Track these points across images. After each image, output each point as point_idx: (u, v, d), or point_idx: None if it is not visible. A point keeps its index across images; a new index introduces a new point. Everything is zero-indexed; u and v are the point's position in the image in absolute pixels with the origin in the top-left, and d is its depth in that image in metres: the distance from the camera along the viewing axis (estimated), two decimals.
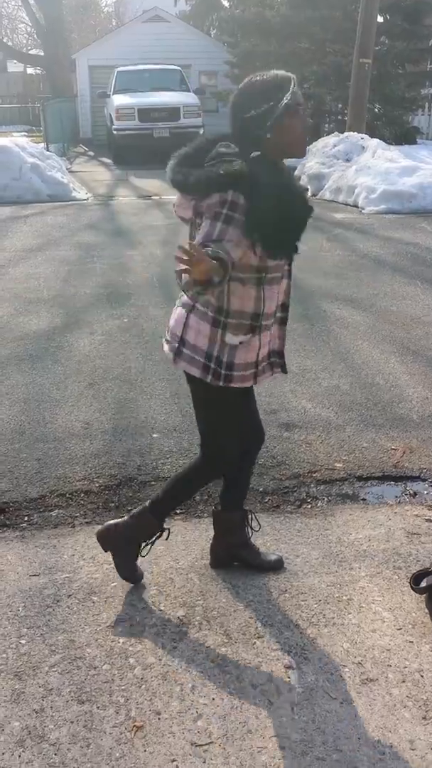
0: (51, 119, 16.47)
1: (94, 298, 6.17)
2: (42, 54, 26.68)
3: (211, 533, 2.67)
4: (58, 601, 2.46)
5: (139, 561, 2.64)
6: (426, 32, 18.07)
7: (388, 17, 17.78)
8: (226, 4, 24.18)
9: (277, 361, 2.38)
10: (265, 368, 2.34)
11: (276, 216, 2.00)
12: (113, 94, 16.70)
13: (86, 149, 20.07)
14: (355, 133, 13.00)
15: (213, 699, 2.05)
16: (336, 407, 4.01)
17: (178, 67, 18.27)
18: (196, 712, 2.01)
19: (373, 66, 14.31)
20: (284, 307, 2.33)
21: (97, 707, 2.03)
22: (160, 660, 2.19)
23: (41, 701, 2.05)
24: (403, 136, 15.81)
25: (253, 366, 2.26)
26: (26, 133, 20.52)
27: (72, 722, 1.98)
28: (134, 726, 1.96)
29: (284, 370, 2.42)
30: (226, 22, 20.24)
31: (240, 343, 2.20)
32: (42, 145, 14.60)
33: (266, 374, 2.36)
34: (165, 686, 2.10)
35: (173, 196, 2.31)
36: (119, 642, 2.27)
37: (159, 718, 1.99)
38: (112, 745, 1.91)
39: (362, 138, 12.55)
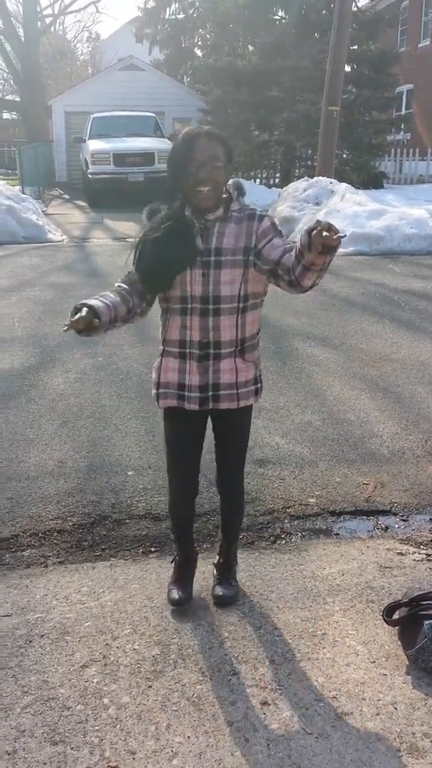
0: (27, 163, 16.68)
1: (69, 337, 6.19)
2: (18, 99, 27.13)
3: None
4: (30, 641, 2.44)
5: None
6: (391, 81, 18.80)
7: (356, 66, 18.48)
8: (199, 53, 24.92)
9: (195, 396, 2.36)
10: (190, 398, 2.36)
11: (139, 256, 2.28)
12: (89, 139, 16.97)
13: (62, 192, 20.30)
14: (324, 177, 13.35)
15: (188, 737, 2.04)
16: (309, 443, 4.06)
17: (153, 114, 18.67)
18: (172, 750, 1.99)
19: (342, 113, 14.78)
20: (201, 344, 2.31)
21: (71, 748, 2.00)
22: (134, 699, 2.18)
23: (14, 743, 2.02)
24: (370, 180, 16.31)
25: (164, 386, 2.40)
26: (2, 177, 20.72)
27: (45, 764, 1.95)
28: (108, 766, 1.94)
29: (208, 405, 2.37)
30: (199, 71, 20.85)
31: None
32: (18, 187, 14.77)
33: (193, 405, 2.36)
34: (140, 725, 2.08)
35: None
36: (93, 682, 2.25)
37: (134, 758, 1.97)
38: None
39: (331, 182, 12.90)
